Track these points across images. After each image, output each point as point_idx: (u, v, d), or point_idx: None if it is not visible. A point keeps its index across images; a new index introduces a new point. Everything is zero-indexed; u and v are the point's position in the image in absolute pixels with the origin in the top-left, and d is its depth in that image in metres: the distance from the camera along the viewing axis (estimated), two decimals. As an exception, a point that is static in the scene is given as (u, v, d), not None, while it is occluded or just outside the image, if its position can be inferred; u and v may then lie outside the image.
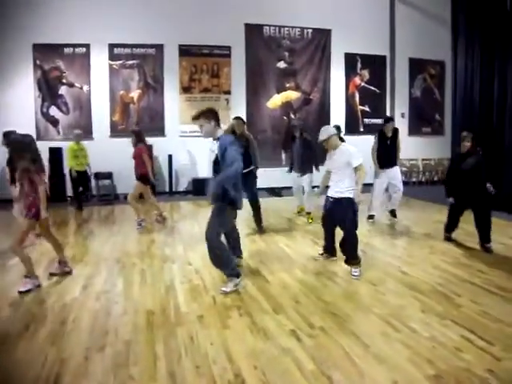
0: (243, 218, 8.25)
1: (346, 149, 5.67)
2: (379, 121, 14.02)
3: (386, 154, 8.58)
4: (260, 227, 8.06)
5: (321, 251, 6.36)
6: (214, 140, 5.12)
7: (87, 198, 10.82)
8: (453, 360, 3.54)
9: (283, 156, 10.09)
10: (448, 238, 7.28)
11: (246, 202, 7.68)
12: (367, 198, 8.44)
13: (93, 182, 11.62)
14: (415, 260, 6.34)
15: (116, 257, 6.59)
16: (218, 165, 5.06)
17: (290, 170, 9.08)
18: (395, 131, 8.70)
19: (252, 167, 7.74)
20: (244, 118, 12.64)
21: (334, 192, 5.70)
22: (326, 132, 5.69)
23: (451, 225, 7.25)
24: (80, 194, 10.56)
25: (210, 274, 5.71)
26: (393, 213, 8.99)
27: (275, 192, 11.00)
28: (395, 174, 8.78)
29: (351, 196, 5.56)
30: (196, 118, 5.07)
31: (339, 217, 5.72)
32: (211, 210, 5.15)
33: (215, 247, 5.06)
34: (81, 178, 10.40)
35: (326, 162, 5.94)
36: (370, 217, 8.88)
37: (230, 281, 5.16)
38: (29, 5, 11.42)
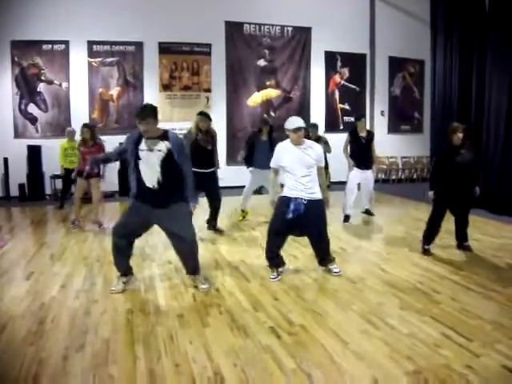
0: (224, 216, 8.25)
1: (319, 147, 5.51)
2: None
3: (361, 155, 8.45)
4: (216, 226, 7.95)
5: (278, 271, 5.58)
6: (153, 138, 4.68)
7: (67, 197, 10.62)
8: (432, 356, 3.57)
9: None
10: (427, 251, 6.54)
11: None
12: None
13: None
14: (394, 257, 6.38)
15: (95, 255, 6.54)
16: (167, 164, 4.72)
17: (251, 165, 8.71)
18: (370, 134, 8.67)
19: (215, 167, 7.63)
20: (224, 116, 12.78)
21: (306, 194, 5.26)
22: (300, 120, 5.40)
23: (433, 232, 6.55)
24: (64, 192, 10.41)
25: (190, 273, 5.71)
26: (368, 212, 8.98)
27: (255, 189, 10.99)
28: (368, 176, 8.66)
29: (321, 197, 5.40)
30: (145, 117, 4.57)
31: (315, 220, 5.38)
32: (175, 212, 4.85)
33: (197, 246, 5.08)
34: (69, 176, 10.16)
35: (286, 158, 5.34)
36: (347, 217, 8.62)
37: (204, 278, 5.25)
38: (6, 1, 11.27)
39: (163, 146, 4.66)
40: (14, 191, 11.38)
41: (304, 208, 5.24)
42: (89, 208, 8.99)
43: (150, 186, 4.72)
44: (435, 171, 6.56)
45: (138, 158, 4.70)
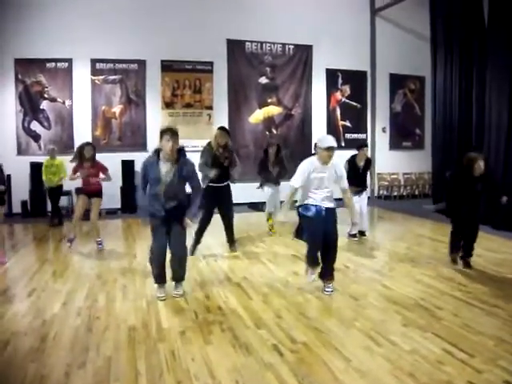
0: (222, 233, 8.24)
1: (342, 168, 5.59)
2: (360, 136, 14.20)
3: (358, 181, 8.36)
4: (234, 243, 7.89)
5: (313, 274, 5.74)
6: (170, 160, 5.12)
7: (60, 214, 10.58)
8: (434, 373, 3.56)
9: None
10: (454, 260, 6.75)
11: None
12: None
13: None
14: (397, 274, 6.38)
15: (97, 273, 6.54)
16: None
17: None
18: (368, 163, 8.67)
19: (229, 181, 7.63)
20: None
21: (325, 204, 5.42)
22: (333, 140, 5.35)
23: (457, 244, 6.73)
24: (54, 210, 10.46)
25: (192, 289, 5.71)
26: (363, 233, 8.83)
27: (257, 207, 10.99)
28: (363, 199, 8.66)
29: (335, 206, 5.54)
30: (175, 134, 5.07)
31: (331, 227, 5.47)
32: (177, 227, 5.31)
33: (186, 260, 5.58)
34: (53, 193, 10.30)
35: (313, 176, 5.38)
36: (354, 235, 8.64)
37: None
38: (10, 19, 11.38)
39: (176, 169, 5.11)
40: (17, 208, 11.41)
41: (324, 213, 5.40)
42: (87, 225, 8.97)
43: (167, 206, 5.17)
44: (455, 201, 6.61)
45: (157, 179, 5.10)
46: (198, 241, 7.55)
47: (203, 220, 7.46)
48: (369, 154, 9.12)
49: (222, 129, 7.58)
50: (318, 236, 5.43)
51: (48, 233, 9.68)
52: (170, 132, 5.02)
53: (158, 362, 3.80)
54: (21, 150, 11.70)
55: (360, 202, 8.52)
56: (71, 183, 9.15)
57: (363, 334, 4.36)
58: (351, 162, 8.49)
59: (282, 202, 9.09)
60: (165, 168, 5.12)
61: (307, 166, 5.42)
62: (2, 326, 4.60)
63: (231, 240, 7.82)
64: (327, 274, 5.63)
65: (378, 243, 8.50)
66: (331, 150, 5.25)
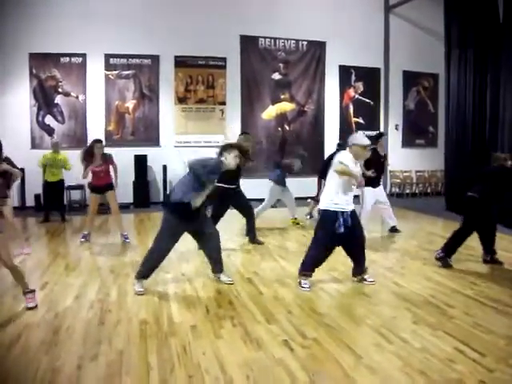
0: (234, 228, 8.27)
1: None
2: (373, 133, 14.13)
3: (379, 171, 8.36)
4: (253, 238, 8.08)
5: (307, 282, 5.64)
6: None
7: (59, 208, 10.47)
8: (445, 371, 3.56)
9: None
10: (447, 264, 6.57)
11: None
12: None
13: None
14: (408, 271, 6.36)
15: (110, 266, 6.59)
16: None
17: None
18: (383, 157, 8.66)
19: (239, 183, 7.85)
20: (239, 129, 12.84)
21: (350, 207, 5.46)
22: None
23: (456, 246, 6.65)
24: (51, 204, 10.39)
25: (204, 284, 5.74)
26: (393, 229, 8.90)
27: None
28: (380, 191, 8.66)
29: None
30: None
31: (358, 230, 5.63)
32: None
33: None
34: (53, 189, 10.17)
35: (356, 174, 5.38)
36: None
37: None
38: (25, 14, 11.47)
39: None
40: (30, 201, 11.50)
41: (350, 220, 5.42)
42: (108, 219, 9.03)
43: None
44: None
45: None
46: None
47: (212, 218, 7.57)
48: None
49: (246, 133, 7.88)
50: (330, 249, 5.63)
51: (61, 226, 9.75)
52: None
53: (170, 356, 3.82)
54: (35, 144, 11.80)
55: (379, 196, 8.54)
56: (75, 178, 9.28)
57: (374, 330, 4.35)
58: (374, 151, 8.42)
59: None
60: None
61: (345, 156, 5.42)
62: (15, 318, 4.64)
63: (251, 232, 8.05)
64: (364, 266, 5.82)
65: (390, 241, 8.48)
66: (367, 148, 5.45)
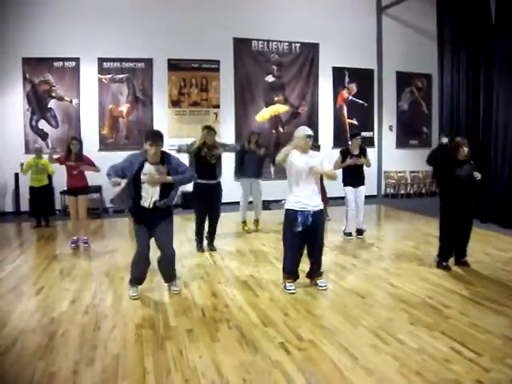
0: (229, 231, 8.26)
1: (319, 154, 5.72)
2: (367, 134, 14.16)
3: (353, 173, 8.39)
4: (211, 242, 7.93)
5: (292, 285, 5.62)
6: (155, 164, 5.15)
7: (46, 214, 10.44)
8: (442, 371, 3.56)
9: (272, 169, 10.11)
10: (447, 268, 6.46)
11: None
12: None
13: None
14: (404, 272, 6.36)
15: (105, 270, 6.57)
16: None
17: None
18: (362, 151, 8.51)
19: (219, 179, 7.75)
20: (233, 132, 12.88)
21: (314, 205, 5.43)
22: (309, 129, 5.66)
23: (451, 247, 6.55)
24: (39, 210, 10.34)
25: (199, 288, 5.73)
26: (359, 232, 8.74)
27: (264, 205, 11.01)
28: (361, 193, 8.54)
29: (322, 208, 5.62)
30: (159, 142, 5.09)
31: (319, 230, 5.56)
32: (165, 222, 5.30)
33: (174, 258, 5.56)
34: (39, 194, 10.13)
35: (299, 165, 5.43)
36: (349, 234, 8.63)
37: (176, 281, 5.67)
38: (18, 18, 11.44)
39: (163, 169, 5.15)
40: (25, 206, 11.45)
41: (311, 219, 5.39)
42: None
43: (146, 206, 5.14)
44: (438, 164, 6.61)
45: (140, 181, 5.10)
46: (200, 238, 7.78)
47: (197, 217, 7.72)
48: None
49: (208, 127, 7.72)
50: (300, 249, 5.60)
51: (55, 231, 9.72)
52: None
53: (166, 359, 3.82)
54: (28, 149, 11.74)
55: (357, 195, 8.48)
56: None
57: (370, 332, 4.36)
58: (344, 151, 8.44)
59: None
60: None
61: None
62: (11, 323, 4.63)
63: (211, 236, 7.88)
64: (318, 270, 5.76)
65: (385, 241, 8.49)
66: (309, 138, 5.55)
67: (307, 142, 5.51)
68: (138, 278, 5.47)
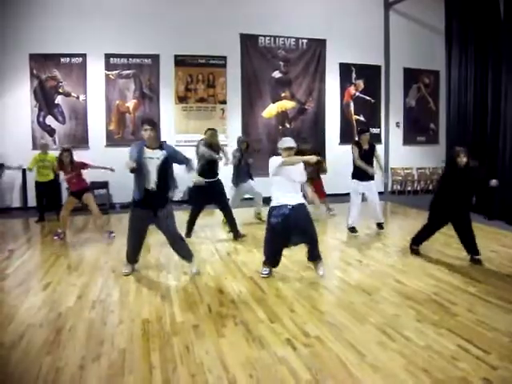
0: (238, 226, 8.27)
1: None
2: (374, 130, 14.11)
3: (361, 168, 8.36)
4: (236, 232, 8.24)
5: (267, 270, 6.05)
6: (152, 148, 5.67)
7: (53, 208, 10.43)
8: (449, 369, 3.55)
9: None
10: (416, 252, 7.08)
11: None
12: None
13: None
14: (410, 269, 6.35)
15: (111, 266, 6.59)
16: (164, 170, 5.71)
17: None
18: (372, 147, 8.51)
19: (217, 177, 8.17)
20: (240, 128, 12.87)
21: (293, 201, 5.71)
22: (293, 141, 5.88)
23: (423, 238, 7.11)
24: (44, 206, 10.46)
25: (206, 284, 5.73)
26: (379, 225, 8.78)
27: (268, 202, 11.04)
28: (371, 187, 8.50)
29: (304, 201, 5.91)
30: (153, 124, 5.71)
31: (302, 222, 5.75)
32: (166, 214, 5.84)
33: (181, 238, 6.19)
34: (45, 188, 10.30)
35: (281, 171, 5.70)
36: (353, 230, 8.55)
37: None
38: (25, 15, 11.46)
39: (160, 154, 5.67)
40: (32, 202, 11.48)
41: (288, 211, 5.68)
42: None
43: (149, 188, 5.68)
44: (448, 195, 6.70)
45: (142, 164, 5.60)
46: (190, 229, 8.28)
47: (192, 212, 8.30)
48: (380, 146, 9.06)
49: (213, 129, 8.31)
50: (278, 239, 5.88)
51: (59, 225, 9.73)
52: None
53: (172, 355, 3.82)
54: (36, 145, 11.75)
55: (367, 190, 8.46)
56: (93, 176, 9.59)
57: (377, 328, 4.35)
58: (357, 143, 8.47)
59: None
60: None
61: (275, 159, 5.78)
62: (18, 318, 4.66)
63: (234, 229, 8.23)
64: (317, 257, 6.00)
65: (392, 238, 8.46)
66: (290, 150, 5.77)
67: (289, 153, 5.76)
68: (132, 258, 6.24)
